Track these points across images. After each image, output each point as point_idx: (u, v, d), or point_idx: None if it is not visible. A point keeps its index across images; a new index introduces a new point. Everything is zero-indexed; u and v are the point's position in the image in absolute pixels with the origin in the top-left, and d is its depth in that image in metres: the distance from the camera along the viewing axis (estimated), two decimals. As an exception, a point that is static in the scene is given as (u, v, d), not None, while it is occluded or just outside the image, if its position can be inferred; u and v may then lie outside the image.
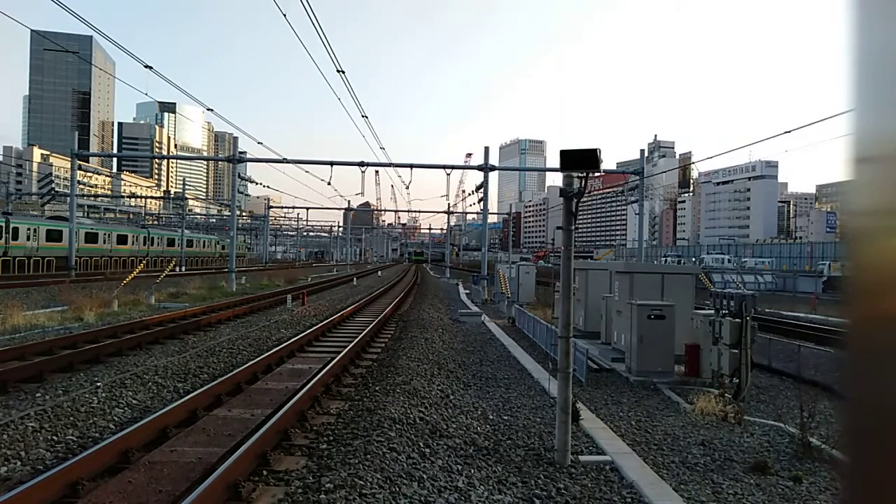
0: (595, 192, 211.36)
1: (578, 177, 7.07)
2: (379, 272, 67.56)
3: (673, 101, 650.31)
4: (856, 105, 0.87)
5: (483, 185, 36.08)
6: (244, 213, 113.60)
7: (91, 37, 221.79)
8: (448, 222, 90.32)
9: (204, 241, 77.61)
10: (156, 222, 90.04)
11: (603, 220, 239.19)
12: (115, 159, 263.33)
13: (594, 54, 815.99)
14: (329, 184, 35.75)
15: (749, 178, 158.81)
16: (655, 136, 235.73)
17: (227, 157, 34.24)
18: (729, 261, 73.39)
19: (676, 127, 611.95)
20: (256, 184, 37.95)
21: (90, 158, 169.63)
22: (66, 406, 8.18)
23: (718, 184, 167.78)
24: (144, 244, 57.48)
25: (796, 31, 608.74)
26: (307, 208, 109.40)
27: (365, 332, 16.00)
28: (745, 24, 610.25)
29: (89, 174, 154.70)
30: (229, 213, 57.44)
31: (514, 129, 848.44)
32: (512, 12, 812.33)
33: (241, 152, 33.37)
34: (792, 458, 7.76)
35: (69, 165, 38.22)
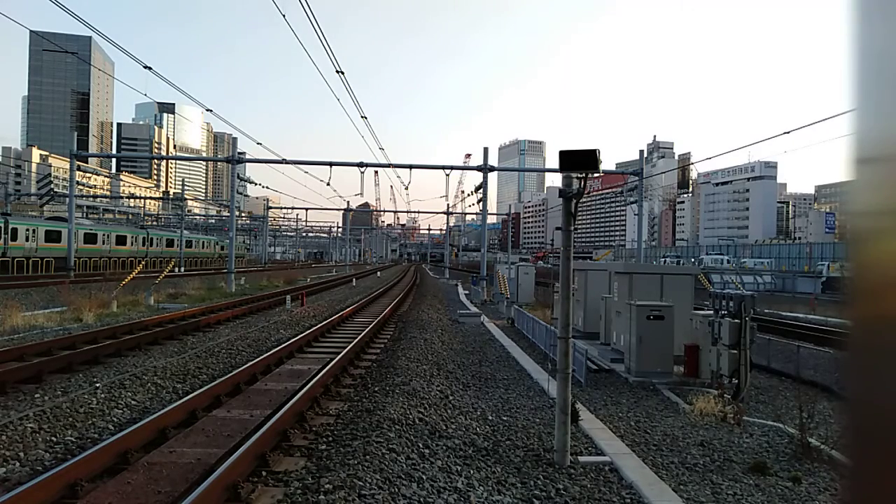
0: (594, 193, 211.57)
1: (577, 177, 7.07)
2: (378, 273, 67.51)
3: (672, 102, 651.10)
4: (857, 105, 0.87)
5: (482, 186, 36.08)
6: (243, 214, 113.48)
7: (90, 37, 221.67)
8: (447, 223, 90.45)
9: (203, 242, 77.57)
10: (155, 223, 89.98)
11: (602, 220, 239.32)
12: (114, 160, 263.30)
13: (594, 55, 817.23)
14: (328, 184, 35.81)
15: (748, 179, 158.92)
16: (654, 136, 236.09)
17: (226, 157, 34.22)
18: (728, 261, 73.41)
19: (676, 127, 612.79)
20: (255, 184, 37.96)
21: (89, 159, 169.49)
22: (64, 407, 8.17)
23: (717, 184, 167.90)
24: (143, 245, 57.45)
25: (796, 31, 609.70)
26: (306, 209, 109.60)
27: (364, 332, 15.99)
28: (746, 25, 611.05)
29: (88, 175, 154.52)
30: (228, 214, 57.37)
31: (513, 130, 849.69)
32: (511, 13, 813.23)
33: (240, 153, 33.35)
34: (791, 458, 7.76)
35: (68, 166, 38.19)
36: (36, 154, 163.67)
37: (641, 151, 36.68)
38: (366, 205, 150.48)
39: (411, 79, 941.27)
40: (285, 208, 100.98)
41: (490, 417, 9.14)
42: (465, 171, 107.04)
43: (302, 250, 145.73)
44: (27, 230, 39.83)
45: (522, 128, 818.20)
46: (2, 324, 15.99)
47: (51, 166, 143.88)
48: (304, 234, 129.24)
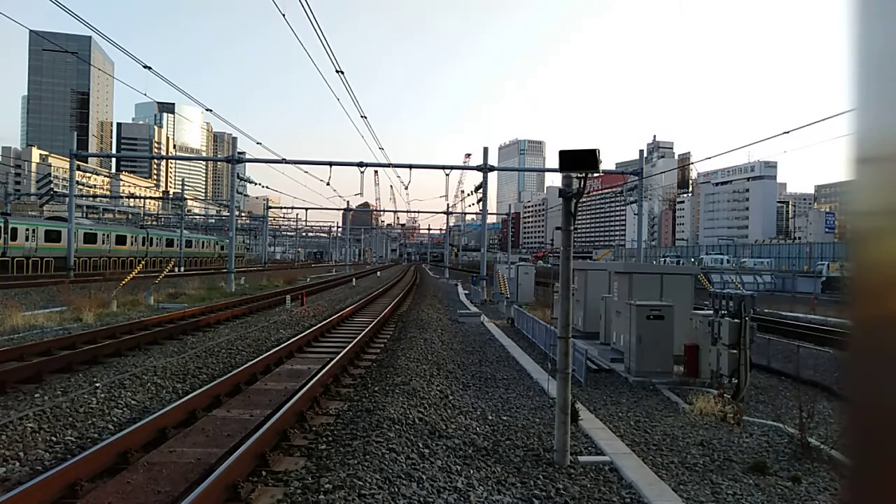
0: (594, 193, 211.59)
1: (577, 177, 7.06)
2: (378, 273, 67.51)
3: (672, 102, 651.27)
4: (857, 105, 0.87)
5: (482, 186, 36.08)
6: (243, 214, 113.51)
7: (90, 37, 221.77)
8: (447, 223, 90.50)
9: (203, 242, 77.57)
10: (155, 223, 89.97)
11: (602, 220, 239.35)
12: (113, 160, 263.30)
13: (593, 55, 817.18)
14: (328, 184, 35.78)
15: (748, 179, 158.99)
16: (654, 136, 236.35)
17: (226, 157, 34.22)
18: (728, 261, 73.43)
19: (675, 127, 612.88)
20: (255, 184, 37.93)
21: (89, 159, 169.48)
22: (64, 407, 8.17)
23: (717, 184, 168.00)
24: (143, 245, 57.44)
25: (796, 31, 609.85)
26: (306, 209, 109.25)
27: (364, 332, 15.99)
28: (745, 25, 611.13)
29: (88, 174, 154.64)
30: (228, 214, 57.38)
31: (513, 130, 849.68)
32: (511, 13, 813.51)
33: (240, 153, 33.34)
34: (791, 458, 7.76)
35: (68, 166, 38.17)
36: (36, 154, 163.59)
37: (641, 151, 36.66)
38: (366, 205, 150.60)
39: (411, 79, 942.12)
40: (285, 208, 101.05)
41: (490, 417, 9.14)
42: (464, 170, 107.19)
43: (302, 250, 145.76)
44: (27, 230, 39.81)
45: (522, 127, 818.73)
46: (2, 324, 15.98)
47: (50, 166, 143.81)
48: (303, 234, 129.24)
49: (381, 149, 31.92)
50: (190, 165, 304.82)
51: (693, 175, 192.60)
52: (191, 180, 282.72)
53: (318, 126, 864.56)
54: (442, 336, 17.55)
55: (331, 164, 32.19)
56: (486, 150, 33.68)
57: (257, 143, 36.08)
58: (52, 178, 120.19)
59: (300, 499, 5.43)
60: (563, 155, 6.83)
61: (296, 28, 17.72)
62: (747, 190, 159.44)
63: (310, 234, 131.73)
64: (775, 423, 9.37)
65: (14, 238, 38.28)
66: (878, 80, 0.84)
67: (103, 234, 50.42)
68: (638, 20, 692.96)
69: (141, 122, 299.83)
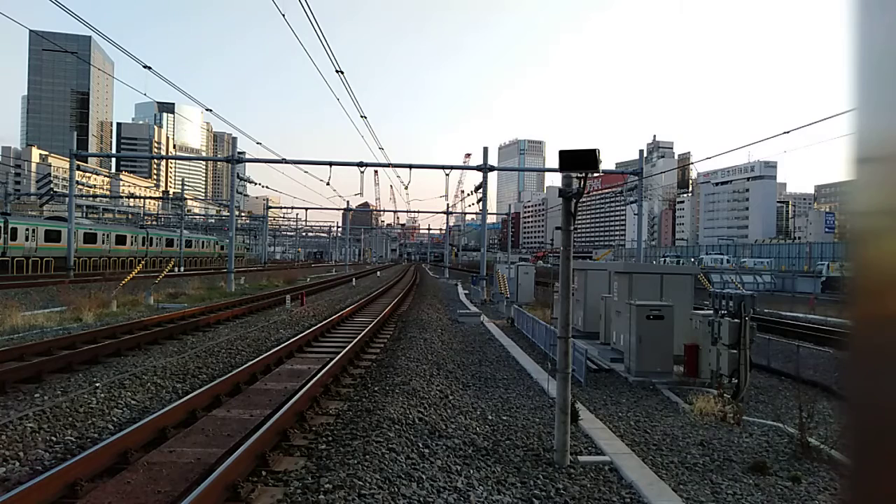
0: (594, 193, 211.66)
1: (577, 177, 7.07)
2: (378, 273, 67.50)
3: (672, 101, 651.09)
4: (857, 105, 0.87)
5: (482, 186, 36.09)
6: (243, 214, 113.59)
7: (90, 37, 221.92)
8: (447, 223, 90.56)
9: (203, 242, 77.58)
10: (154, 223, 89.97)
11: (602, 220, 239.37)
12: (113, 159, 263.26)
13: (594, 54, 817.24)
14: (328, 184, 35.76)
15: (748, 179, 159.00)
16: (654, 136, 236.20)
17: (225, 157, 34.22)
18: (728, 261, 73.47)
19: (675, 127, 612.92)
20: (255, 184, 37.91)
21: (89, 159, 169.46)
22: (64, 406, 8.17)
23: (717, 184, 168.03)
24: (143, 244, 57.44)
25: (796, 31, 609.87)
26: (306, 209, 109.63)
27: (364, 332, 15.99)
28: (745, 24, 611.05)
29: (88, 174, 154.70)
30: (228, 214, 57.40)
31: (513, 130, 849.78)
32: (510, 12, 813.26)
33: (239, 152, 33.34)
34: (791, 458, 7.76)
35: (68, 166, 38.17)
36: (36, 154, 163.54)
37: (641, 151, 36.63)
38: (366, 205, 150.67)
39: (410, 78, 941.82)
40: (285, 208, 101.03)
41: (490, 417, 9.14)
42: (464, 170, 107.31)
43: (302, 250, 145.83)
44: (27, 230, 39.81)
45: (522, 127, 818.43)
46: (2, 324, 15.98)
47: (50, 166, 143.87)
48: (303, 234, 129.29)
49: (381, 149, 31.94)
50: (190, 165, 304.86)
51: (693, 175, 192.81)
52: (191, 180, 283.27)
53: (318, 126, 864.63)
54: (442, 336, 17.55)
55: (331, 164, 32.19)
56: (485, 149, 33.69)
57: (257, 143, 36.20)
58: (51, 178, 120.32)
59: (300, 499, 5.43)
60: (563, 155, 6.83)
61: (296, 28, 17.74)
62: (747, 190, 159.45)
63: (310, 234, 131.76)
64: (775, 423, 9.37)
65: (14, 238, 38.28)
66: (878, 80, 0.84)
67: (103, 234, 50.41)
68: (637, 20, 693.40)
69: (141, 122, 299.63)
